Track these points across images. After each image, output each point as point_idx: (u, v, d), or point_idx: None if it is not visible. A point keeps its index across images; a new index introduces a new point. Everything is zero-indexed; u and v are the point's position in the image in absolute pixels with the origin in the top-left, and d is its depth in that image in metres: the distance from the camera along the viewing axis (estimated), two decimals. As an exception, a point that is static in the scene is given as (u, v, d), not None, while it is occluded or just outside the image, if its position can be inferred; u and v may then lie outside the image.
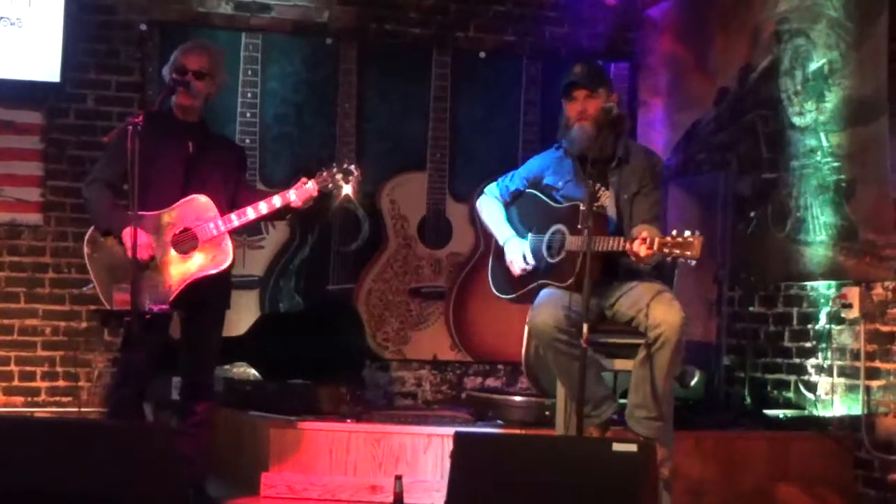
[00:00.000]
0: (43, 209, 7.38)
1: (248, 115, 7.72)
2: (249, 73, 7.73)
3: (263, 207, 5.61)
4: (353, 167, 5.69)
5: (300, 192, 5.63)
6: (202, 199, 5.55)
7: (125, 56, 7.55)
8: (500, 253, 5.81)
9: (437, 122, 8.06)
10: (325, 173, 5.67)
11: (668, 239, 5.03)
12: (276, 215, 5.75)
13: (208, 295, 5.60)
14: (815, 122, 6.71)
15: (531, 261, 5.61)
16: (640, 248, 5.08)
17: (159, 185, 5.52)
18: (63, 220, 7.38)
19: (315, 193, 5.65)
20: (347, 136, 7.88)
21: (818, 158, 6.67)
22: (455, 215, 8.05)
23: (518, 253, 5.66)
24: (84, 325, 7.36)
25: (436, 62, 8.06)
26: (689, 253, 4.99)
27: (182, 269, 5.50)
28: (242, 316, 7.34)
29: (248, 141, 7.65)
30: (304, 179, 5.66)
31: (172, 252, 5.51)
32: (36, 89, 7.25)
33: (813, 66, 6.74)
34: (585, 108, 5.56)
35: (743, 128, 7.30)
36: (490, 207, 5.93)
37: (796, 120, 6.85)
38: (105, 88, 7.50)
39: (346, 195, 5.77)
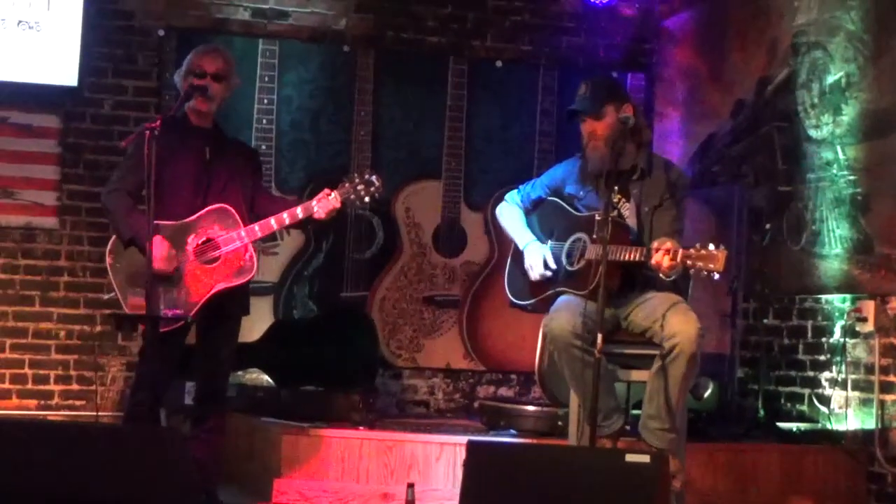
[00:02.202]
0: (59, 213, 7.40)
1: (265, 121, 7.73)
2: (266, 79, 7.74)
3: (287, 218, 5.59)
4: (374, 178, 5.66)
5: (324, 204, 5.60)
6: (225, 209, 5.53)
7: (143, 61, 7.57)
8: (518, 257, 5.80)
9: (452, 130, 8.06)
10: (347, 184, 5.64)
11: (692, 251, 5.02)
12: (296, 225, 5.74)
13: (226, 302, 5.58)
14: (832, 135, 6.70)
15: (553, 265, 5.60)
16: (664, 259, 5.06)
17: (177, 192, 5.50)
18: (79, 224, 7.40)
19: (338, 205, 5.62)
20: (363, 144, 7.89)
21: (834, 171, 6.66)
22: (470, 224, 8.05)
23: (539, 257, 5.64)
24: (98, 328, 7.37)
25: (452, 71, 8.07)
26: (712, 266, 4.97)
27: (205, 280, 5.49)
28: (256, 322, 7.33)
29: (263, 147, 7.66)
30: (327, 191, 5.62)
31: (195, 262, 5.50)
32: (53, 93, 7.28)
33: (830, 78, 6.73)
34: (594, 131, 5.56)
35: (759, 140, 7.29)
36: (510, 213, 5.92)
37: (813, 132, 6.84)
38: (122, 93, 7.52)
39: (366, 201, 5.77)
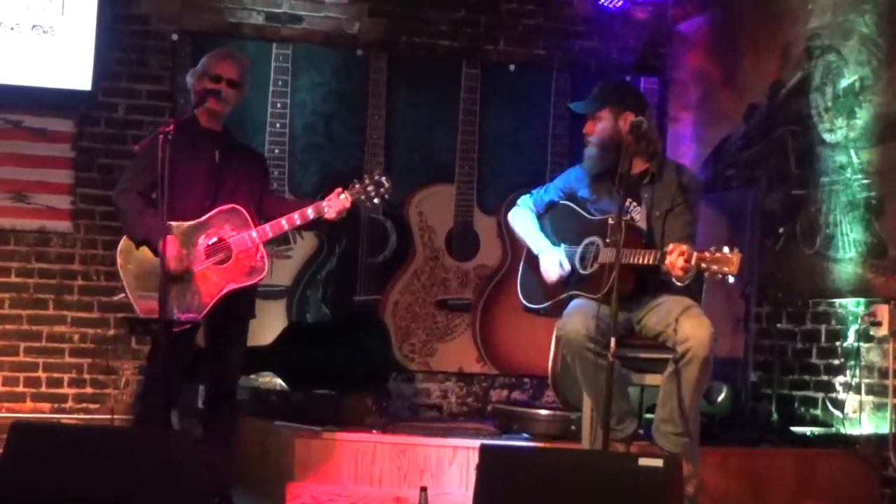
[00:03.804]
0: (73, 217, 7.41)
1: (278, 125, 7.74)
2: (279, 83, 7.75)
3: (297, 218, 5.60)
4: (384, 179, 5.68)
5: (334, 204, 5.61)
6: (236, 210, 5.55)
7: (156, 65, 7.58)
8: (531, 262, 5.80)
9: (465, 134, 8.06)
10: (357, 185, 5.66)
11: (707, 254, 5.01)
12: (307, 226, 5.75)
13: (234, 305, 5.59)
14: (846, 139, 6.69)
15: (567, 267, 5.60)
16: (678, 261, 5.05)
17: (188, 193, 5.51)
18: (92, 228, 7.41)
19: (349, 205, 5.64)
20: (376, 148, 7.89)
21: (848, 175, 6.65)
22: (483, 228, 8.05)
23: (554, 260, 5.64)
24: (112, 332, 7.38)
25: (465, 74, 8.07)
26: (727, 269, 4.96)
27: (216, 280, 5.50)
28: (269, 326, 7.35)
29: (277, 151, 7.67)
30: (338, 190, 5.65)
31: (206, 263, 5.51)
32: (67, 97, 7.28)
33: (844, 82, 6.72)
34: (588, 131, 5.66)
35: (772, 144, 7.28)
36: (523, 217, 5.92)
37: (826, 136, 6.83)
38: (136, 97, 7.54)
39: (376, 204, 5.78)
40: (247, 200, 5.64)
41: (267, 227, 5.57)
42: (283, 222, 5.59)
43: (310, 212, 5.62)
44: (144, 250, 5.47)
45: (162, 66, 7.58)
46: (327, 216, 5.62)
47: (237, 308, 5.65)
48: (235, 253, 5.53)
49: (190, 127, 5.60)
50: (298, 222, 5.61)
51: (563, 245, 5.70)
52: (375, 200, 5.72)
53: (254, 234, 5.54)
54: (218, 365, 5.75)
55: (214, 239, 5.53)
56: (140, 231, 5.50)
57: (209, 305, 5.48)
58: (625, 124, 5.51)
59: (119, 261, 5.55)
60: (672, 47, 8.35)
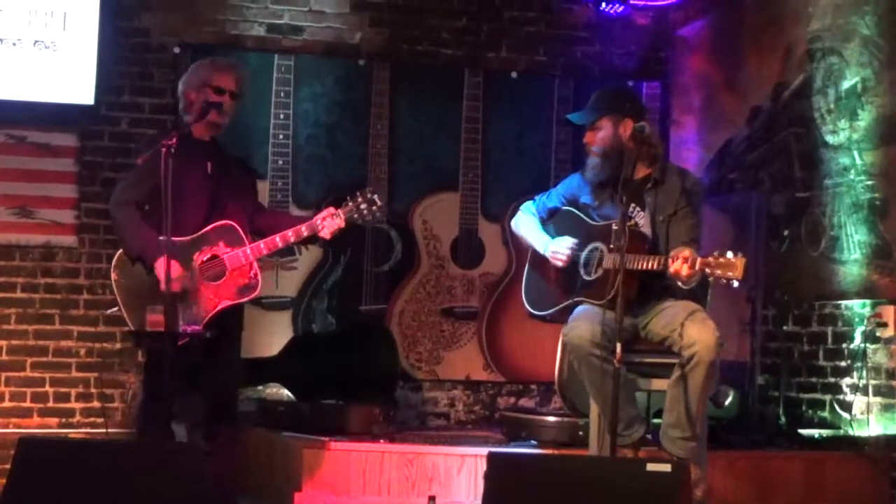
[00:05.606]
0: (77, 231, 7.42)
1: (281, 136, 7.75)
2: (282, 94, 7.76)
3: (292, 236, 5.62)
4: (376, 197, 5.69)
5: (329, 225, 5.62)
6: (231, 226, 5.55)
7: (158, 79, 7.60)
8: (536, 265, 5.80)
9: (469, 142, 8.06)
10: (350, 204, 5.66)
11: (711, 259, 5.02)
12: (302, 242, 5.76)
13: (225, 318, 5.59)
14: (849, 141, 6.68)
15: (575, 241, 5.59)
16: (682, 268, 5.06)
17: (182, 207, 5.45)
18: (97, 242, 7.42)
19: (342, 224, 5.64)
20: (379, 157, 7.90)
21: (852, 177, 6.65)
22: (487, 235, 8.05)
23: (562, 244, 5.64)
24: (118, 346, 7.39)
25: (468, 82, 8.07)
26: (731, 274, 4.97)
27: (210, 297, 5.50)
28: (275, 337, 7.36)
29: (280, 162, 7.68)
30: (331, 210, 5.66)
31: (200, 279, 5.51)
32: (70, 112, 7.30)
33: (846, 84, 6.72)
34: (589, 141, 5.67)
35: (776, 146, 7.28)
36: (526, 222, 5.93)
37: (829, 138, 6.83)
38: (138, 111, 7.55)
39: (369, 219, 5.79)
40: (240, 212, 5.65)
41: (261, 243, 5.58)
42: (277, 239, 5.60)
43: (304, 229, 5.63)
44: (140, 265, 5.48)
45: (164, 80, 7.59)
46: (322, 235, 5.64)
47: (225, 322, 5.62)
48: (229, 270, 5.54)
49: (184, 140, 5.59)
50: (292, 239, 5.64)
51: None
52: (368, 218, 5.72)
53: (248, 250, 5.55)
54: (213, 378, 5.72)
55: (208, 255, 5.53)
56: (135, 247, 5.52)
57: (203, 322, 5.48)
58: (625, 131, 5.52)
59: (113, 276, 5.57)
60: (674, 51, 8.35)
